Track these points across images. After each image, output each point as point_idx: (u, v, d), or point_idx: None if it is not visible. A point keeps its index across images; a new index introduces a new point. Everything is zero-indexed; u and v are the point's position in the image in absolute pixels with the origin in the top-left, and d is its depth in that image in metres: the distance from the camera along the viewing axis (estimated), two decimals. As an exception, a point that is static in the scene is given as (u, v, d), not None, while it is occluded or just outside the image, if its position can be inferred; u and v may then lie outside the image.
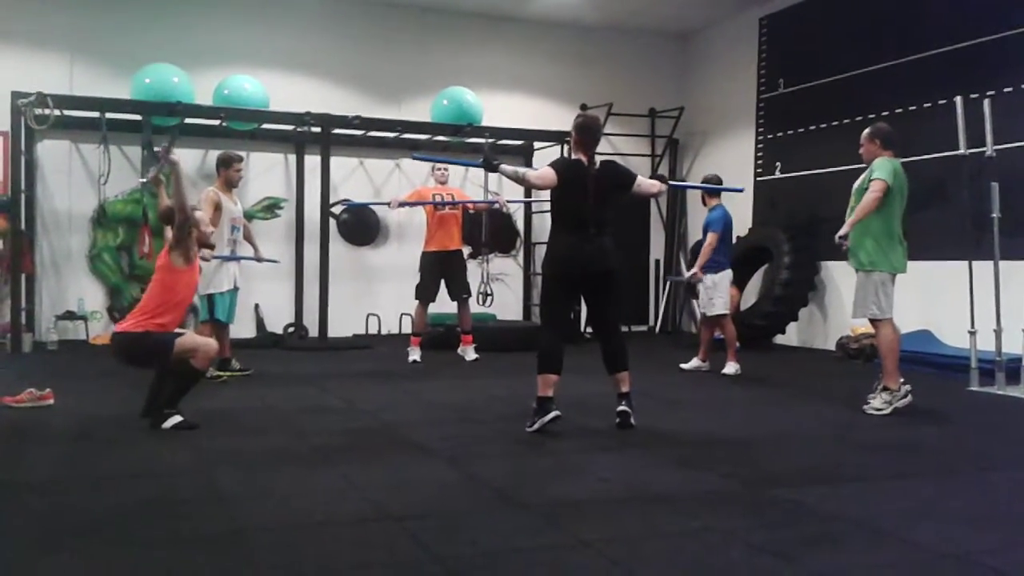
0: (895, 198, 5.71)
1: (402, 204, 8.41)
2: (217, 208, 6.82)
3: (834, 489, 3.87)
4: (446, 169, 8.47)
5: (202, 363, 5.09)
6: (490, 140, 9.99)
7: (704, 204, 7.82)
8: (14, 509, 3.46)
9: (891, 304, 5.73)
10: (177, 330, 5.16)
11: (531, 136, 10.70)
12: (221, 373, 6.87)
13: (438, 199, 8.28)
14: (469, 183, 10.90)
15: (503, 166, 4.98)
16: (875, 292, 5.69)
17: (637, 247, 11.65)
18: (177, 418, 4.96)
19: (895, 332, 5.76)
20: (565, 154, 10.54)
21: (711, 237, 7.57)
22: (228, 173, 7.00)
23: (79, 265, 9.61)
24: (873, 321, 5.80)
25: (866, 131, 5.95)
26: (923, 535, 3.19)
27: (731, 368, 7.60)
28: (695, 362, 7.90)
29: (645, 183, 5.27)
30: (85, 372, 7.29)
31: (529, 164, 11.14)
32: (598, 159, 5.12)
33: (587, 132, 5.12)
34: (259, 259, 7.40)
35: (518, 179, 5.08)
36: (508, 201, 10.05)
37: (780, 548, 3.05)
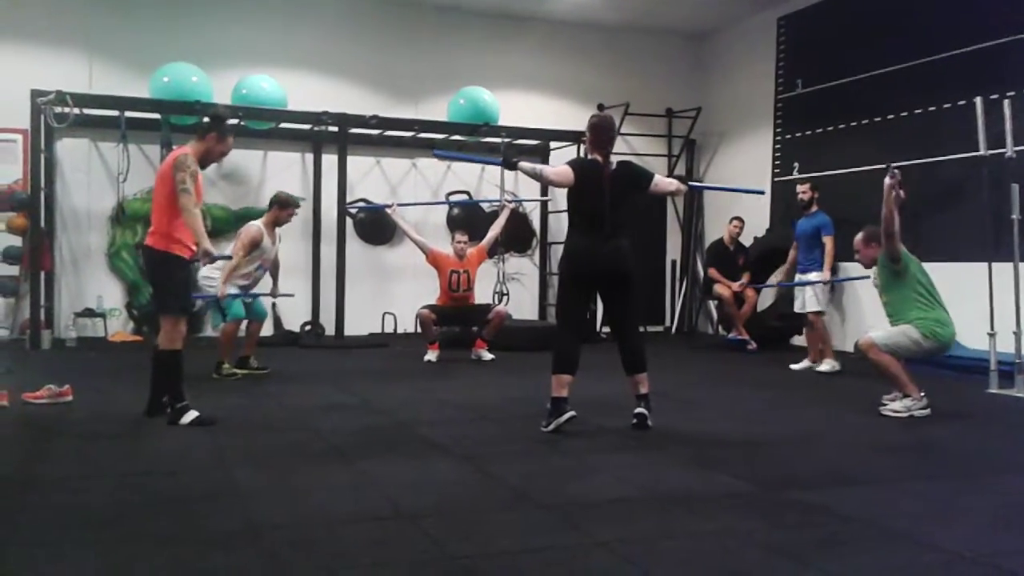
0: (916, 283, 5.75)
1: (407, 231, 8.53)
2: (254, 245, 6.88)
3: (851, 491, 3.85)
4: (465, 242, 8.40)
5: (162, 342, 5.08)
6: (507, 139, 9.99)
7: (807, 207, 8.13)
8: (33, 504, 3.48)
9: (905, 355, 5.76)
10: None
11: (548, 136, 10.70)
12: (238, 371, 6.91)
13: (454, 277, 8.29)
14: (486, 182, 10.92)
15: (522, 163, 4.95)
16: (911, 343, 5.69)
17: (654, 247, 11.64)
18: (193, 413, 4.98)
19: (883, 353, 5.73)
20: (581, 154, 10.56)
21: (830, 242, 7.85)
22: (281, 215, 7.08)
23: (98, 263, 9.68)
24: (870, 345, 5.75)
25: (860, 236, 6.06)
26: (940, 538, 3.17)
27: (828, 365, 7.84)
28: (805, 363, 8.08)
29: (663, 182, 5.28)
30: (104, 369, 7.34)
31: (545, 164, 11.14)
32: (614, 159, 5.12)
33: (601, 132, 5.10)
34: (274, 295, 7.42)
35: (536, 176, 5.06)
36: (525, 200, 10.05)
37: (796, 549, 3.04)
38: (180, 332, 5.11)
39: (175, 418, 4.97)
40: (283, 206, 7.09)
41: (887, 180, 5.65)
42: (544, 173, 5.09)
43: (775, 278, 9.10)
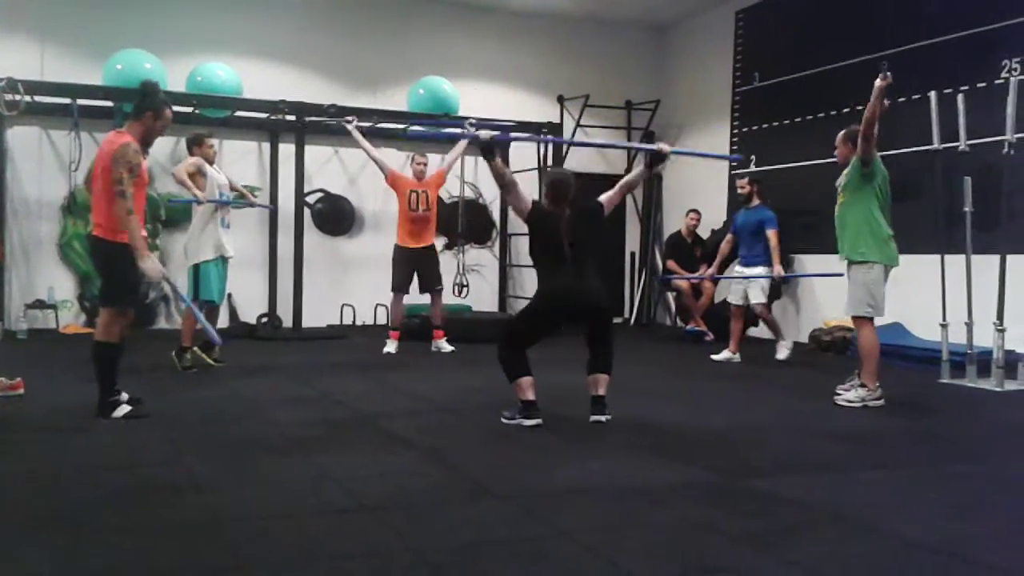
0: (877, 192, 5.77)
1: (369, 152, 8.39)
2: (201, 174, 6.83)
3: (809, 479, 3.90)
4: (424, 164, 8.40)
5: (100, 334, 4.95)
6: (472, 120, 9.80)
7: (747, 201, 8.14)
8: (-15, 500, 3.41)
9: (883, 303, 5.78)
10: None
11: (508, 127, 10.65)
12: (198, 351, 6.82)
13: (413, 196, 8.24)
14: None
15: (497, 160, 5.03)
16: (870, 290, 5.73)
17: (613, 240, 11.67)
18: (125, 407, 4.90)
19: (875, 334, 5.80)
20: (540, 146, 10.57)
21: (775, 235, 7.86)
22: (203, 151, 6.98)
23: (49, 253, 9.50)
24: (856, 319, 5.84)
25: (841, 133, 5.98)
26: (898, 525, 3.22)
27: (784, 351, 8.03)
28: (726, 354, 8.07)
29: (610, 199, 5.26)
30: (56, 361, 7.21)
31: (505, 154, 11.12)
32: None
33: (559, 188, 5.11)
34: (252, 204, 7.62)
35: (502, 180, 5.08)
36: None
37: (756, 538, 3.06)
38: (118, 326, 4.95)
39: (106, 412, 4.87)
40: (199, 143, 7.01)
41: (878, 81, 5.52)
42: (508, 184, 5.07)
43: (710, 271, 8.99)
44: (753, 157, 10.42)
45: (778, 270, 7.91)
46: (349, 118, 8.47)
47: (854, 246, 5.80)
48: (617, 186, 5.36)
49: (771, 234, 7.89)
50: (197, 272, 6.85)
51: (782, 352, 8.01)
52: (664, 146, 5.56)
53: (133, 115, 5.05)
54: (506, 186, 5.11)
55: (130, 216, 4.74)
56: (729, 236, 8.38)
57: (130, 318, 5.13)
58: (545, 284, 5.08)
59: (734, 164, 10.61)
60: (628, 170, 11.86)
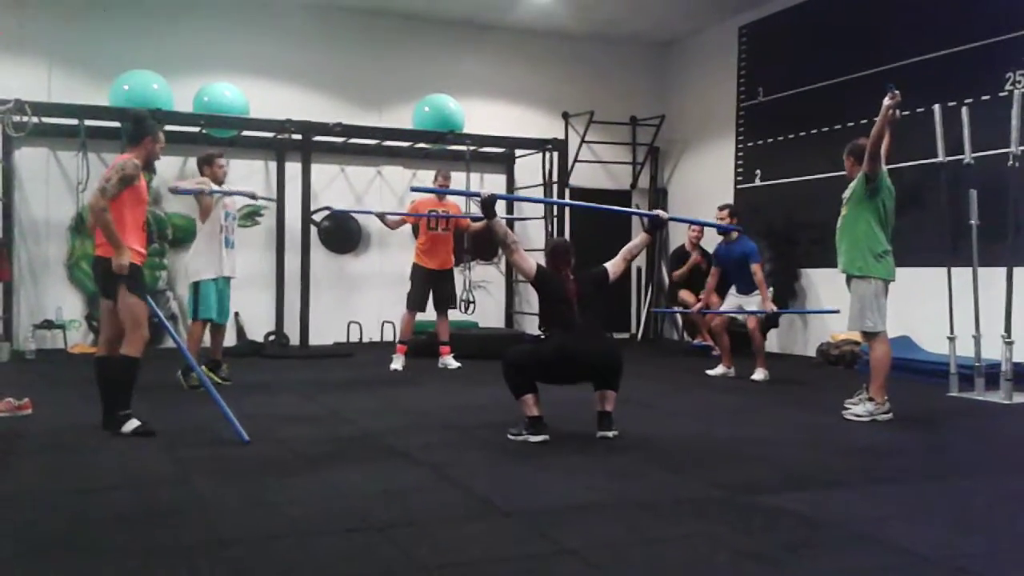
0: (879, 207, 5.76)
1: (397, 223, 8.47)
2: (206, 183, 6.85)
3: (817, 494, 3.88)
4: (447, 182, 8.41)
5: (127, 348, 4.99)
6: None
7: (725, 236, 7.98)
8: (-8, 520, 3.42)
9: (884, 316, 5.76)
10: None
11: (512, 143, 10.71)
12: (211, 374, 6.80)
13: (432, 219, 8.26)
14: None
15: (499, 220, 5.24)
16: (870, 304, 5.72)
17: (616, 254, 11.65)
18: (135, 422, 4.93)
19: (888, 348, 5.78)
20: (545, 162, 10.60)
21: (759, 269, 7.71)
22: (212, 171, 7.01)
23: (57, 274, 9.54)
24: (867, 335, 5.82)
25: (846, 149, 5.98)
26: (908, 540, 3.21)
27: (761, 374, 7.76)
28: (720, 369, 8.04)
29: (615, 264, 5.40)
30: (64, 381, 7.21)
31: (511, 171, 11.15)
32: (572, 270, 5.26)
33: (558, 256, 5.30)
34: (254, 196, 7.55)
35: (504, 240, 5.24)
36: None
37: (764, 553, 3.05)
38: (145, 325, 5.03)
39: (117, 426, 4.93)
40: (209, 162, 7.03)
41: (887, 100, 5.50)
42: (511, 244, 5.22)
43: (699, 305, 8.83)
44: (758, 171, 10.43)
45: (768, 306, 7.72)
46: (378, 214, 8.46)
47: (851, 260, 5.80)
48: (620, 255, 5.46)
49: (755, 268, 7.69)
50: (197, 290, 6.86)
51: (758, 375, 7.77)
52: (662, 213, 5.83)
53: (132, 143, 5.25)
54: (508, 247, 5.25)
55: (104, 213, 4.86)
56: (714, 269, 8.24)
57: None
58: (556, 338, 5.08)
59: (738, 180, 10.63)
60: (633, 186, 11.94)
